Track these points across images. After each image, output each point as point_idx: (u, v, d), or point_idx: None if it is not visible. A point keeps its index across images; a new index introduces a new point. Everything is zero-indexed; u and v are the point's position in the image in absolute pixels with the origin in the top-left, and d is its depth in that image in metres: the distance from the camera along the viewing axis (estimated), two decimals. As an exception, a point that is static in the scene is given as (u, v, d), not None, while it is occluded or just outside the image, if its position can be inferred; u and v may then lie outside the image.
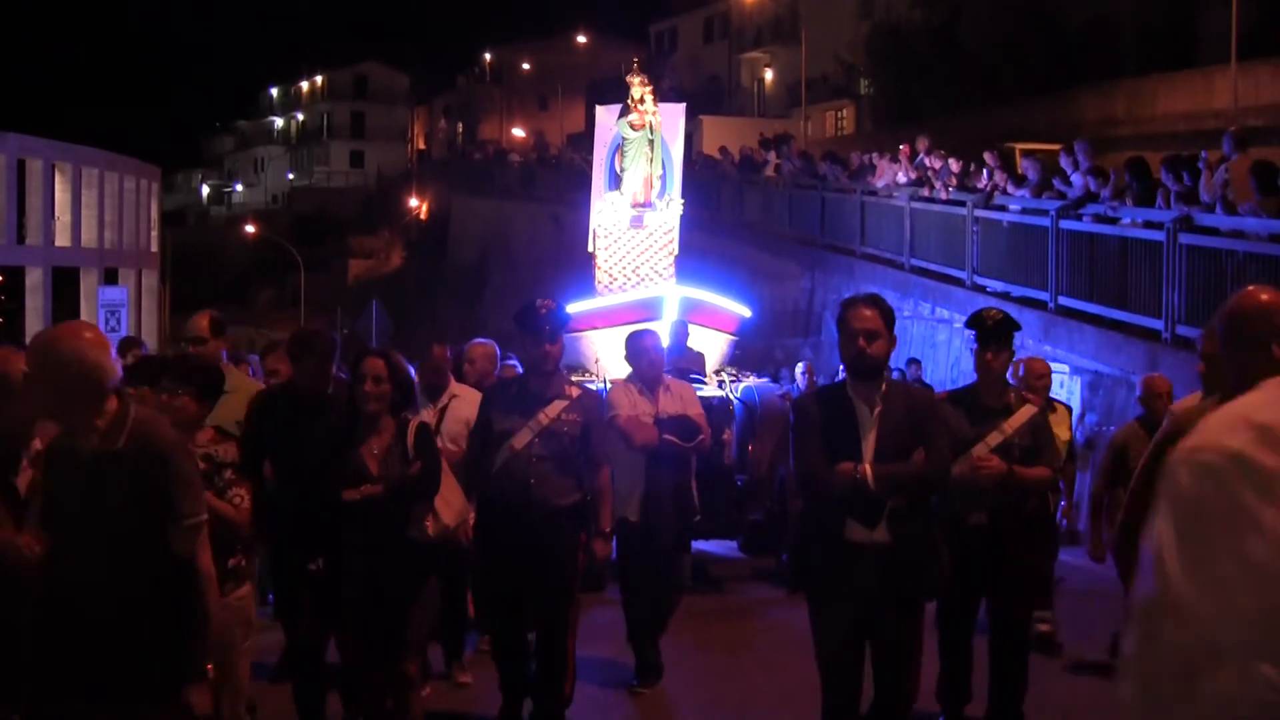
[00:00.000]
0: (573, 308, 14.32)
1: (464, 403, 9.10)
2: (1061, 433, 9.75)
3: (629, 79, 15.66)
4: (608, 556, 8.11)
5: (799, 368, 17.06)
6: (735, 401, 13.55)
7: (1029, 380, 9.62)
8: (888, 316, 6.38)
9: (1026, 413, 7.58)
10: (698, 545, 11.83)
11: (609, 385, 13.11)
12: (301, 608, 7.68)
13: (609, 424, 9.00)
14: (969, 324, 7.81)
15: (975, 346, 7.69)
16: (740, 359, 15.62)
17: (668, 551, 9.34)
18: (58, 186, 47.17)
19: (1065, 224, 17.26)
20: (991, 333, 7.60)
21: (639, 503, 9.13)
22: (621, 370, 13.45)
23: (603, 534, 7.95)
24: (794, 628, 11.11)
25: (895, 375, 14.76)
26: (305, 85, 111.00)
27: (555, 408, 7.63)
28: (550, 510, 7.58)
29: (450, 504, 7.43)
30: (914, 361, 17.36)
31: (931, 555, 6.45)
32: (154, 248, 55.69)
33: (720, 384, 13.86)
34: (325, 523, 7.25)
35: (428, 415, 9.03)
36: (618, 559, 9.29)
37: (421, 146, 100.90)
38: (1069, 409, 10.86)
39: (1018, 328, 7.87)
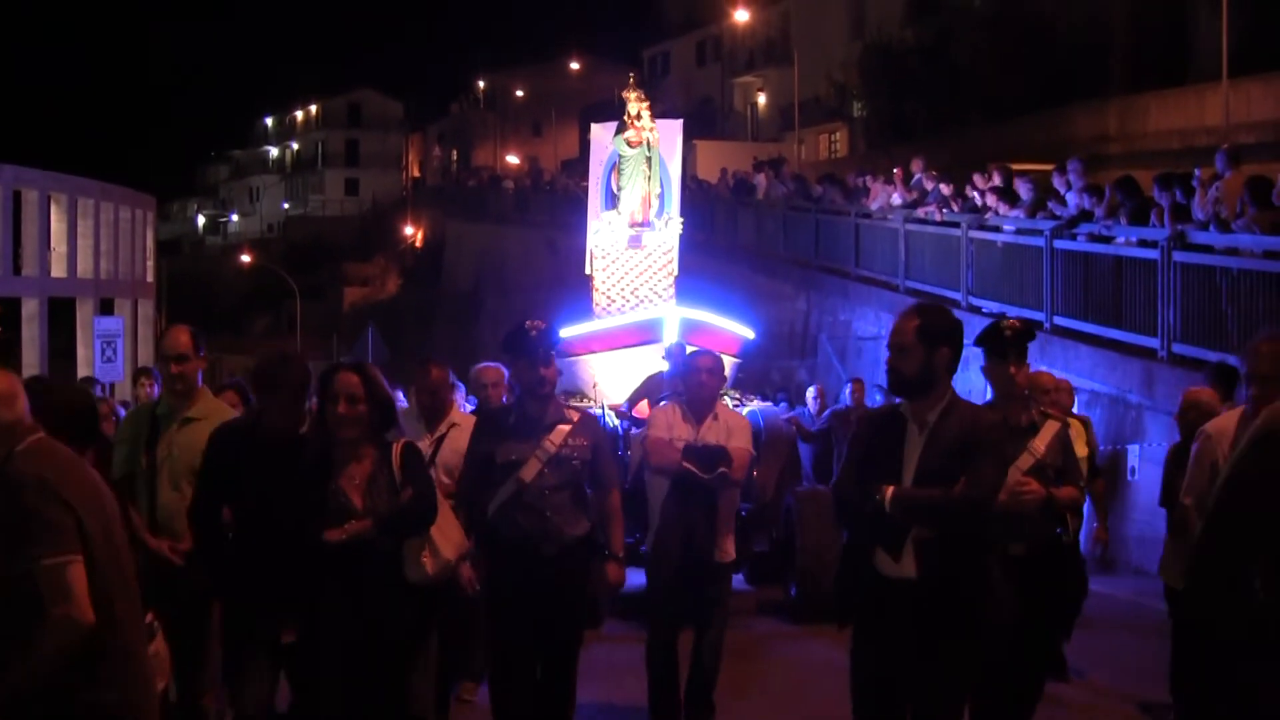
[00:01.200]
0: (570, 331, 13.95)
1: (464, 432, 8.40)
2: (1079, 448, 9.04)
3: (625, 94, 15.27)
4: (620, 583, 7.63)
5: (810, 392, 16.59)
6: None
7: (1036, 396, 9.21)
8: (930, 329, 5.89)
9: (1052, 429, 7.13)
10: None
11: (606, 409, 12.86)
12: (257, 684, 6.66)
13: (640, 441, 8.74)
14: (980, 339, 7.15)
15: (990, 361, 7.11)
16: (742, 381, 15.19)
17: (676, 587, 8.62)
18: (53, 217, 47.18)
19: (1059, 243, 17.28)
20: (1012, 343, 7.07)
21: (654, 533, 8.71)
22: (620, 394, 13.29)
23: (615, 558, 7.55)
24: (805, 664, 10.85)
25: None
26: (299, 114, 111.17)
27: (559, 433, 7.26)
28: (564, 542, 7.21)
29: (448, 536, 6.60)
30: None
31: (974, 598, 5.85)
32: (150, 277, 55.70)
33: None
34: (299, 580, 6.36)
35: (422, 446, 8.15)
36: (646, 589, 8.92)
37: (416, 173, 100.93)
38: (1084, 421, 10.23)
39: (1033, 336, 7.42)
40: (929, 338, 5.86)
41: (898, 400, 6.15)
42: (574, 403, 13.15)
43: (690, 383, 8.93)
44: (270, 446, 6.64)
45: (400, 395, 16.44)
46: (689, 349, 13.18)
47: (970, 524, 5.83)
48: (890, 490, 5.75)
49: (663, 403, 10.07)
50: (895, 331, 5.94)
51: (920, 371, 5.87)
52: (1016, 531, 6.87)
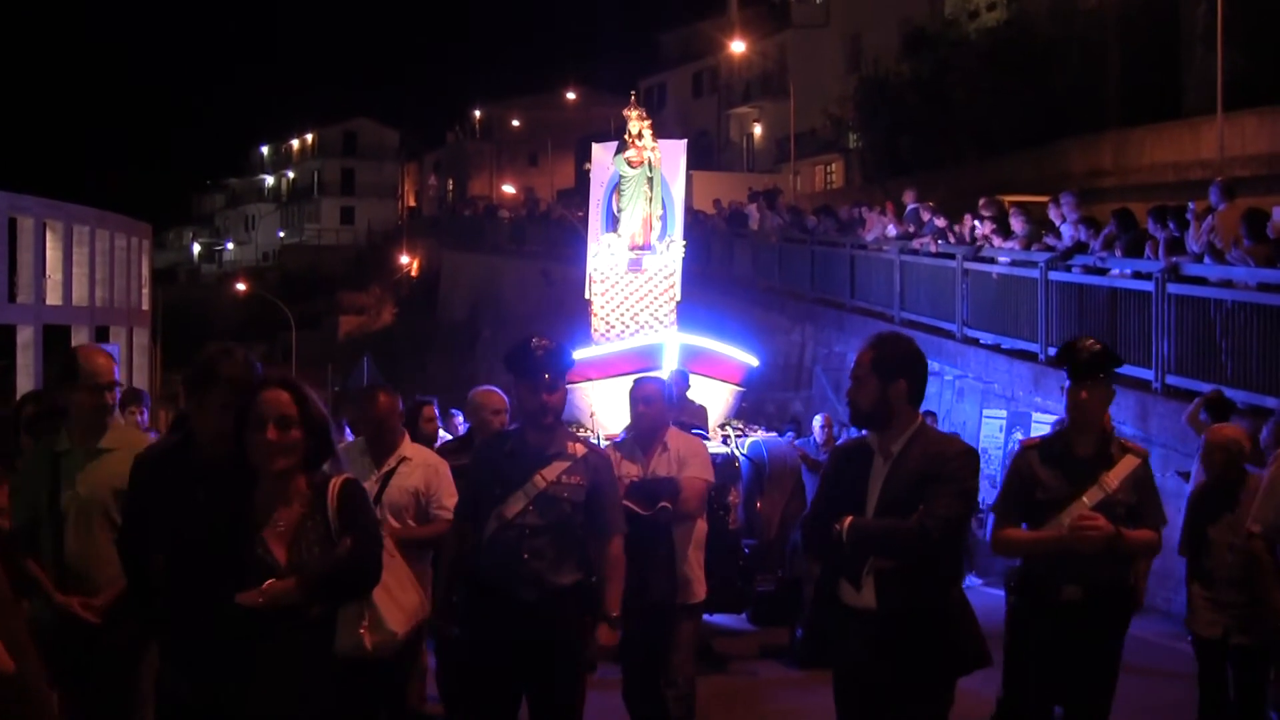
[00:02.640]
0: None
1: (415, 468, 7.81)
2: None
3: (626, 113, 14.46)
4: (612, 646, 6.78)
5: (817, 421, 15.93)
6: (741, 458, 12.50)
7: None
8: (885, 360, 5.76)
9: (1130, 464, 6.47)
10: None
11: (602, 440, 12.16)
12: None
13: None
14: (1059, 358, 6.74)
15: (1069, 384, 6.57)
16: (745, 411, 14.66)
17: (632, 633, 7.47)
18: (49, 244, 47.26)
19: (1054, 275, 17.33)
20: (1087, 366, 6.54)
21: None
22: (618, 424, 12.28)
23: (608, 618, 6.60)
24: (811, 712, 9.73)
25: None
26: (295, 143, 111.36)
27: (554, 469, 6.46)
28: (547, 591, 6.38)
29: (399, 601, 5.46)
30: (929, 413, 16.77)
31: (942, 630, 5.64)
32: (145, 305, 55.76)
33: (725, 439, 12.77)
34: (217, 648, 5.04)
35: (368, 485, 7.54)
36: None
37: (412, 203, 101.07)
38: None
39: (1119, 362, 6.84)
40: (884, 369, 5.74)
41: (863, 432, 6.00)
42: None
43: (632, 415, 8.25)
44: (204, 470, 5.41)
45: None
46: (691, 377, 12.61)
47: (921, 554, 5.61)
48: (847, 520, 5.64)
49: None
50: (855, 364, 5.85)
51: (876, 403, 5.76)
52: (1071, 573, 6.38)
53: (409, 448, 7.93)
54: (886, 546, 5.63)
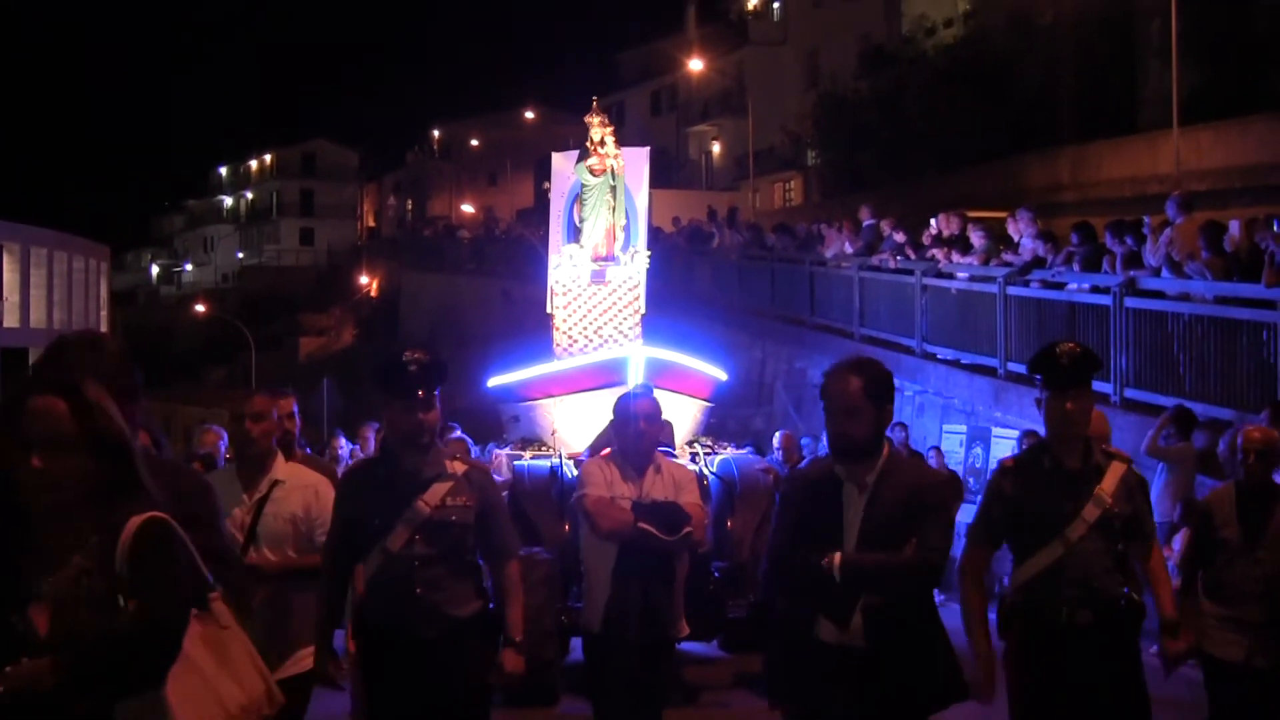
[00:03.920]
0: (528, 373, 13.37)
1: (290, 491, 7.00)
2: None
3: (588, 119, 13.94)
4: (519, 674, 6.23)
5: (775, 439, 15.43)
6: (711, 476, 12.08)
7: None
8: (874, 386, 5.53)
9: (1118, 471, 6.02)
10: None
11: (564, 459, 12.04)
12: None
13: (576, 504, 7.42)
14: (1034, 366, 6.20)
15: (1046, 394, 6.03)
16: (714, 427, 14.21)
17: (635, 669, 7.27)
18: (6, 266, 46.87)
19: (1013, 290, 17.41)
20: (1069, 373, 5.99)
21: (603, 608, 7.32)
22: (581, 442, 12.16)
23: (513, 644, 6.19)
24: None
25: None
26: (254, 163, 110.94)
27: (436, 492, 6.01)
28: (448, 625, 5.95)
29: (219, 696, 3.95)
30: (900, 425, 16.30)
31: (926, 665, 5.45)
32: (104, 327, 55.32)
33: (693, 457, 12.39)
34: None
35: (239, 512, 6.88)
36: (586, 675, 7.74)
37: (371, 223, 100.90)
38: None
39: (1099, 366, 6.32)
40: (875, 396, 5.53)
41: (821, 455, 5.76)
42: (530, 452, 12.62)
43: (627, 431, 7.55)
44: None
45: (343, 442, 15.86)
46: (656, 392, 12.50)
47: (921, 589, 5.46)
48: (838, 556, 5.34)
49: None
50: (838, 394, 5.55)
51: (872, 432, 5.52)
52: (1079, 594, 5.89)
53: (282, 468, 7.09)
54: (885, 582, 5.38)
